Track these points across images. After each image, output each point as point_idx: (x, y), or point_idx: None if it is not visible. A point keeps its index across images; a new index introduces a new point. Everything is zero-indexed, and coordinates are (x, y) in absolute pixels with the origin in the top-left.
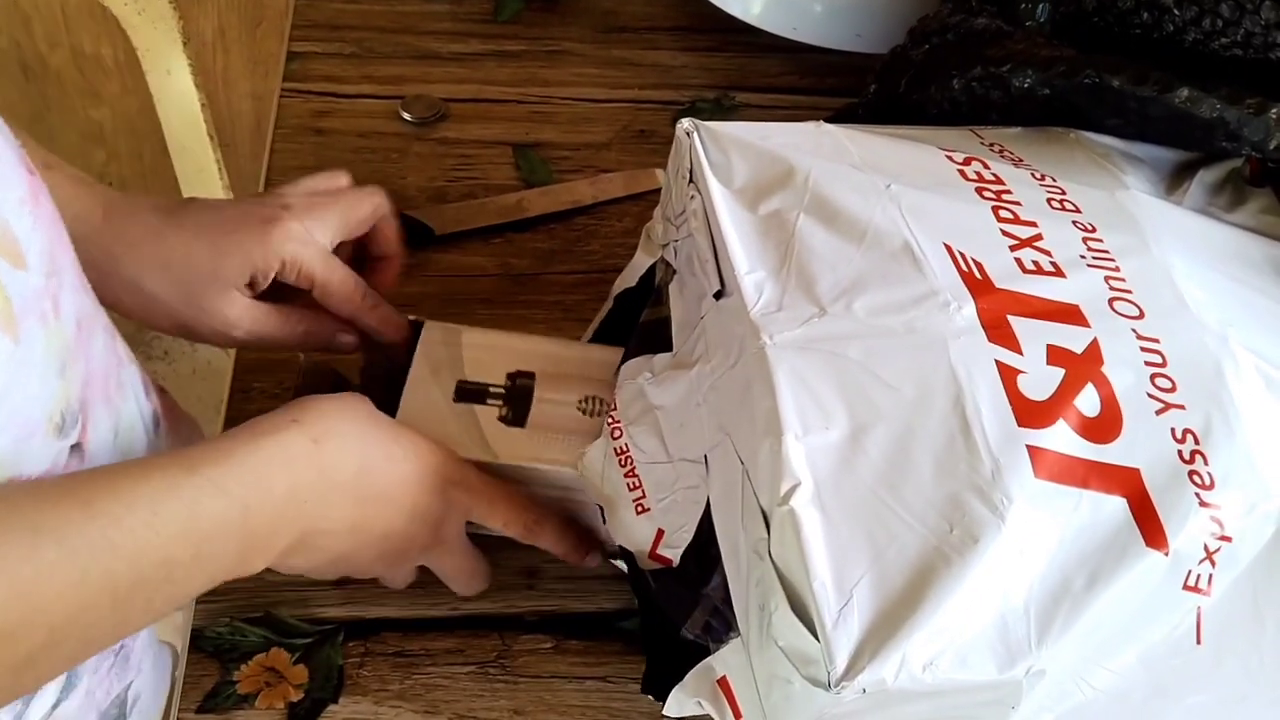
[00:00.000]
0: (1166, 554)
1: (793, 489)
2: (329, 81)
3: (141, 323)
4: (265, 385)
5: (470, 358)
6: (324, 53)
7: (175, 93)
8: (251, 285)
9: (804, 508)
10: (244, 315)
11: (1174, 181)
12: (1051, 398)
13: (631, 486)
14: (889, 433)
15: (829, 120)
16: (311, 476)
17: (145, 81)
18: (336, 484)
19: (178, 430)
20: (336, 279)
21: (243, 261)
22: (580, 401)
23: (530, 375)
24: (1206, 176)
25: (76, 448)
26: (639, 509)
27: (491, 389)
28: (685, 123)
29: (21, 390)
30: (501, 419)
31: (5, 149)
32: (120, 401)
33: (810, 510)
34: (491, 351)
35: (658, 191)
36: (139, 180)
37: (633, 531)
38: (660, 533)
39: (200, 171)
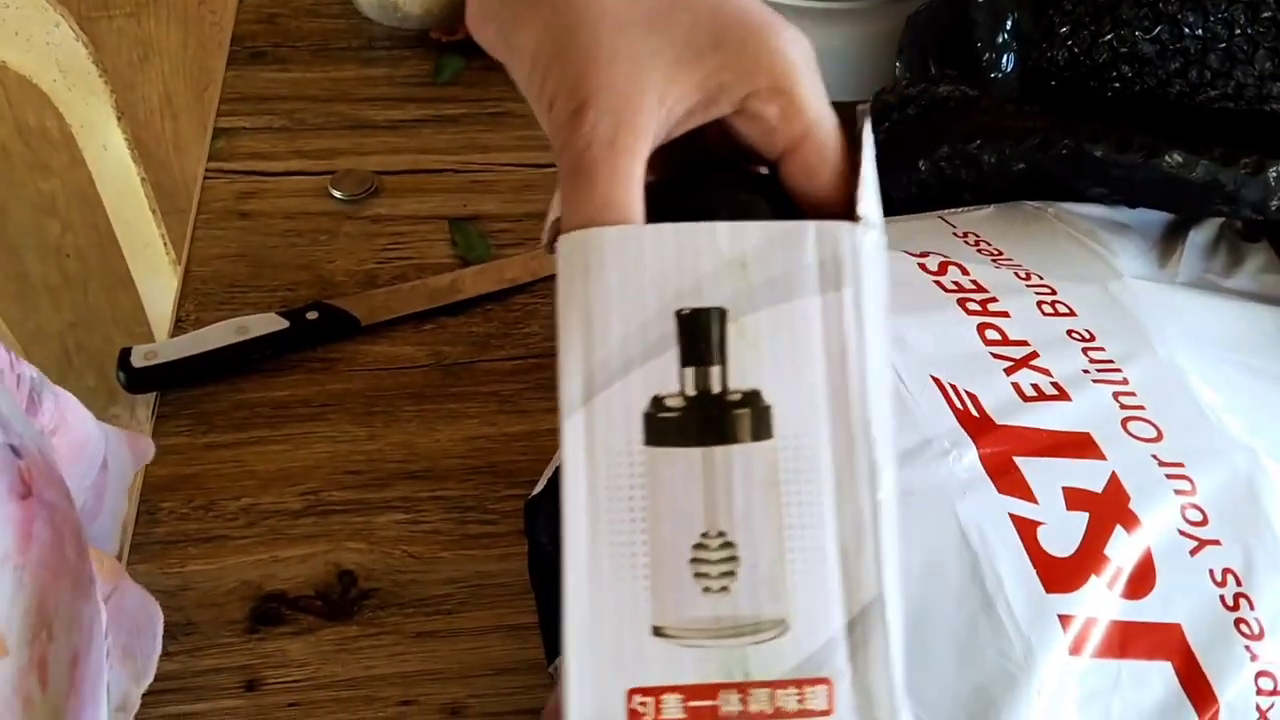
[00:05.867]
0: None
1: None
2: (256, 159)
3: None
4: (174, 505)
5: None
6: (252, 127)
7: (113, 167)
8: None
9: None
10: None
11: (1165, 248)
12: (1079, 551)
13: None
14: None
15: None
16: None
17: None
18: None
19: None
20: None
21: None
22: None
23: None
24: (1198, 238)
25: None
26: None
27: None
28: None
29: None
30: None
31: None
32: None
33: None
34: None
35: None
36: (97, 250)
37: None
38: None
39: (146, 246)
